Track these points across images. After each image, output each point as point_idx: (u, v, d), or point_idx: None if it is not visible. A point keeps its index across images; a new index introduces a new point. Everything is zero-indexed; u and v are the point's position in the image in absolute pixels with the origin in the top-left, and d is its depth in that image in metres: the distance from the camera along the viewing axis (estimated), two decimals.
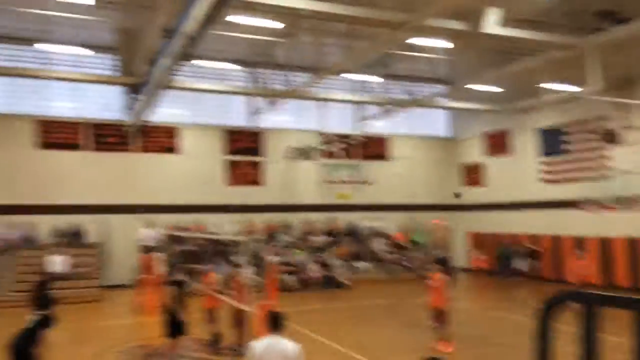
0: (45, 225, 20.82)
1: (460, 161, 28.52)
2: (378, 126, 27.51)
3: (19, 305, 16.79)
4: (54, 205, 21.16)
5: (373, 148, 27.27)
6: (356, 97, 25.16)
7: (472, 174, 27.87)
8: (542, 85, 17.73)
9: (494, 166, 26.43)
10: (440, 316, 11.35)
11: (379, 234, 25.60)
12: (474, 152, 27.68)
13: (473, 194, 27.54)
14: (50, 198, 21.14)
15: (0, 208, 20.39)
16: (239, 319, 11.31)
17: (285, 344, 5.61)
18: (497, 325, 14.29)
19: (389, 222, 26.17)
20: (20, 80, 21.29)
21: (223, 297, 11.15)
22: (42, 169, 21.31)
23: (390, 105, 24.48)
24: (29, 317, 8.05)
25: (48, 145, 21.68)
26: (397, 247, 25.12)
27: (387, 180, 26.61)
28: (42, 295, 9.16)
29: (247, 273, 11.17)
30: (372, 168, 25.90)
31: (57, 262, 19.02)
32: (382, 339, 12.55)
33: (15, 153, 21.09)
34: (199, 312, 11.74)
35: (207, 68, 22.82)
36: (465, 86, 21.36)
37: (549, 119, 22.86)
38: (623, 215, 18.57)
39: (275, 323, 5.70)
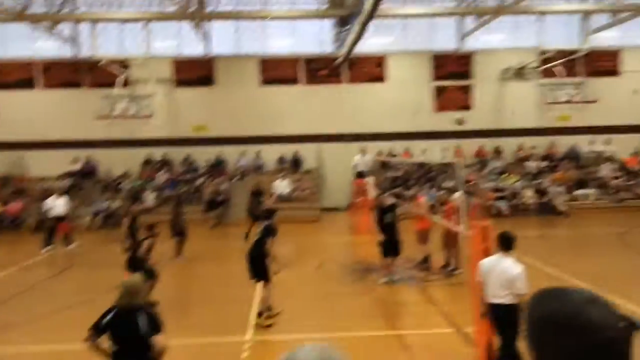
0: (269, 154, 23.10)
1: None
2: (607, 37, 24.11)
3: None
4: (275, 135, 23.26)
5: (601, 63, 24.05)
6: (581, 6, 22.28)
7: None
8: None
9: None
10: None
11: (607, 158, 22.93)
12: None
13: None
14: (272, 130, 23.27)
15: (232, 139, 23.13)
16: (449, 240, 11.34)
17: (508, 263, 5.73)
18: None
19: (620, 146, 23.22)
20: (244, 23, 23.34)
21: (434, 219, 11.22)
22: (264, 103, 23.43)
23: (626, 12, 21.10)
24: (257, 229, 9.15)
25: (269, 81, 23.62)
26: (628, 172, 22.28)
27: (617, 99, 23.39)
28: (263, 209, 10.61)
29: (458, 196, 11.03)
30: (600, 85, 22.95)
31: (281, 186, 21.10)
32: (611, 268, 11.45)
33: (243, 90, 23.47)
34: (412, 234, 12.02)
35: None
36: None
37: None
38: None
39: (504, 243, 5.87)
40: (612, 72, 24.08)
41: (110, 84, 22.04)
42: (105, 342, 4.59)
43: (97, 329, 4.57)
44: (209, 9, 22.18)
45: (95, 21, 22.55)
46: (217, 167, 22.82)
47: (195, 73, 23.51)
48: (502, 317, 5.69)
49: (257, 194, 16.83)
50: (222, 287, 11.00)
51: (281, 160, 23.10)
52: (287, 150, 23.24)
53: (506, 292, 5.63)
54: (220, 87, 23.53)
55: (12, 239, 18.54)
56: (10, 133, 22.42)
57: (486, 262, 5.93)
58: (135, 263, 9.17)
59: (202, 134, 23.33)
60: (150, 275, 8.92)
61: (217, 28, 23.66)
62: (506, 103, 23.89)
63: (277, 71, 23.71)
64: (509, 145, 23.75)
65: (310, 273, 12.05)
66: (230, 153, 23.17)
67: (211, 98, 23.50)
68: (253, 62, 23.61)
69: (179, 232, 13.73)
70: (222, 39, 23.78)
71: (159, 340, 4.48)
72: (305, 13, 21.64)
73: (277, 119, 23.27)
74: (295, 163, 23.00)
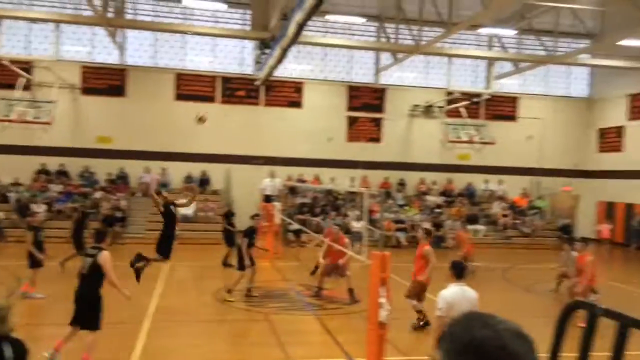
0: (176, 172, 22.61)
1: (598, 124, 26.15)
2: (507, 84, 26.08)
3: (153, 243, 18.62)
4: (184, 153, 22.84)
5: (501, 108, 25.91)
6: (487, 53, 23.95)
7: (610, 139, 25.50)
8: None
9: (637, 131, 23.90)
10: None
11: (499, 197, 24.59)
12: (614, 115, 25.19)
13: (608, 161, 25.25)
14: (181, 147, 22.84)
15: (138, 153, 22.45)
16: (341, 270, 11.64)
17: (470, 291, 5.96)
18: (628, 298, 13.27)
19: (511, 186, 25.00)
20: (163, 36, 22.91)
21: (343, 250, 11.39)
22: (176, 119, 22.98)
23: (525, 63, 22.97)
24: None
25: (183, 97, 23.25)
26: (516, 211, 23.98)
27: (512, 142, 25.23)
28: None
29: (358, 225, 11.35)
30: (498, 129, 24.66)
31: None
32: (495, 301, 12.17)
33: (155, 104, 22.92)
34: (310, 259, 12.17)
35: (334, 23, 22.91)
36: (618, 42, 19.25)
37: None
38: None
39: (458, 272, 6.06)
40: (511, 117, 25.98)
41: (11, 86, 20.74)
42: None
43: None
44: (127, 17, 21.60)
45: (0, 17, 21.20)
46: (118, 182, 21.99)
47: (106, 82, 22.69)
48: None
49: (229, 215, 16.30)
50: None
51: (188, 178, 22.66)
52: (195, 168, 22.87)
53: None
54: (132, 99, 22.84)
55: None
56: None
57: (448, 293, 5.85)
58: None
59: (105, 146, 22.43)
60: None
61: (134, 37, 23.08)
62: (413, 138, 25.03)
63: (193, 87, 23.41)
64: (413, 178, 24.82)
65: (205, 298, 11.86)
66: (134, 168, 22.44)
67: (120, 109, 22.72)
68: (169, 75, 23.18)
69: (79, 247, 12.99)
70: (138, 49, 23.21)
71: None
72: (228, 32, 21.61)
73: (187, 136, 22.86)
74: (203, 183, 22.68)
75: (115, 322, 8.36)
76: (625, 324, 1.80)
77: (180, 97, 23.27)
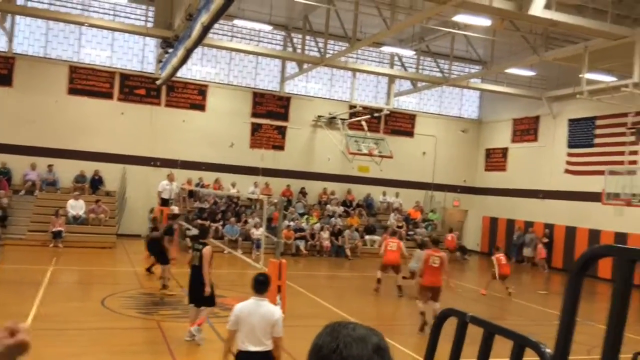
0: (67, 170, 21.31)
1: (485, 144, 28.13)
2: (406, 102, 27.33)
3: (36, 245, 17.46)
4: (76, 150, 21.61)
5: (400, 124, 27.07)
6: (388, 71, 24.93)
7: (495, 159, 27.51)
8: (582, 75, 17.09)
9: (519, 153, 25.99)
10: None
11: (395, 209, 25.62)
12: (500, 137, 27.22)
13: (493, 179, 27.22)
14: (73, 143, 21.58)
15: (26, 149, 20.93)
16: None
17: (268, 307, 5.65)
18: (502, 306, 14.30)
19: (406, 199, 26.15)
20: (58, 25, 21.54)
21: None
22: (69, 114, 21.70)
23: (422, 82, 24.22)
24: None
25: (78, 92, 22.01)
26: (410, 223, 25.10)
27: (409, 158, 26.43)
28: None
29: (258, 233, 11.33)
30: (396, 144, 25.71)
31: (76, 207, 19.54)
32: (382, 309, 12.64)
33: (46, 97, 21.46)
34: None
35: (241, 28, 22.82)
36: (505, 70, 20.86)
37: (582, 110, 22.27)
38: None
39: (259, 286, 5.70)
40: (408, 133, 27.21)
41: None
42: None
43: None
44: (18, 2, 20.09)
45: None
46: None
47: None
48: None
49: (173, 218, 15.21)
50: None
51: (79, 178, 21.42)
52: (88, 167, 21.68)
53: (268, 338, 5.46)
54: (19, 89, 21.23)
55: None
56: None
57: (239, 307, 5.61)
58: None
59: None
60: None
61: (25, 25, 21.52)
62: (315, 148, 25.45)
63: (88, 82, 22.21)
64: (314, 187, 25.20)
65: (92, 305, 11.25)
66: (19, 163, 20.86)
67: (5, 100, 21.04)
68: (61, 68, 21.82)
69: None
70: (28, 37, 21.66)
71: None
72: (128, 27, 20.73)
73: (80, 132, 21.65)
74: (95, 183, 21.55)
75: None
76: (490, 331, 1.96)
77: (74, 91, 21.99)
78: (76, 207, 19.57)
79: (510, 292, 15.17)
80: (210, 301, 8.91)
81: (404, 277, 14.41)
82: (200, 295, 8.82)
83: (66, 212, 19.18)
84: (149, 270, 14.39)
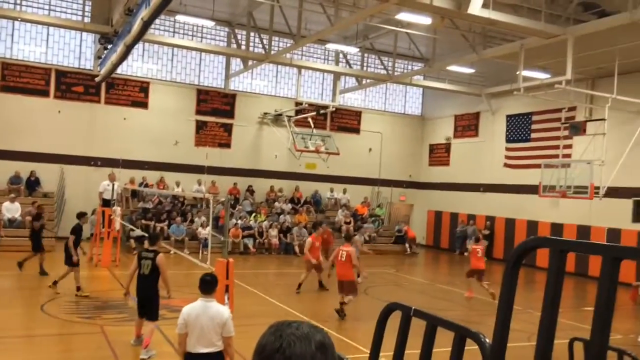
0: (1, 171, 20.32)
1: (429, 140, 28.79)
2: (352, 99, 27.60)
3: None
4: (10, 150, 20.65)
5: (346, 120, 27.30)
6: (334, 68, 25.07)
7: (439, 154, 28.21)
8: (519, 72, 17.74)
9: (460, 148, 26.75)
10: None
11: (343, 205, 25.84)
12: (443, 133, 27.92)
13: (437, 174, 27.91)
14: (6, 143, 20.60)
15: None
16: None
17: (217, 307, 5.62)
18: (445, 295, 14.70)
19: (353, 195, 26.42)
20: None
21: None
22: (3, 113, 20.69)
23: (367, 79, 24.50)
24: None
25: (11, 89, 21.02)
26: (357, 218, 25.38)
27: (355, 154, 26.71)
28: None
29: (205, 232, 11.18)
30: (343, 140, 25.92)
31: (11, 209, 18.70)
32: (332, 305, 12.71)
33: None
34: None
35: (184, 24, 22.42)
36: (446, 67, 21.38)
37: (519, 106, 23.14)
38: (575, 201, 19.08)
39: (206, 287, 5.65)
40: (355, 130, 27.48)
41: None
42: None
43: None
44: None
45: None
46: None
47: None
48: None
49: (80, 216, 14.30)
50: None
51: (14, 179, 20.47)
52: (23, 168, 20.74)
53: (219, 338, 5.44)
54: None
55: None
56: None
57: (187, 309, 5.55)
58: None
59: None
60: None
61: None
62: (262, 145, 25.32)
63: (22, 79, 21.25)
64: (261, 185, 25.07)
65: (33, 311, 10.80)
66: None
67: None
68: None
69: None
70: None
71: None
72: (64, 22, 19.94)
73: (14, 131, 20.69)
74: (31, 184, 20.66)
75: None
76: (433, 323, 2.02)
77: (7, 89, 20.99)
78: (12, 209, 18.72)
79: (492, 293, 13.45)
80: (155, 315, 8.55)
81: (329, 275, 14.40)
82: (149, 306, 8.46)
83: (1, 216, 18.31)
84: (20, 264, 14.27)
